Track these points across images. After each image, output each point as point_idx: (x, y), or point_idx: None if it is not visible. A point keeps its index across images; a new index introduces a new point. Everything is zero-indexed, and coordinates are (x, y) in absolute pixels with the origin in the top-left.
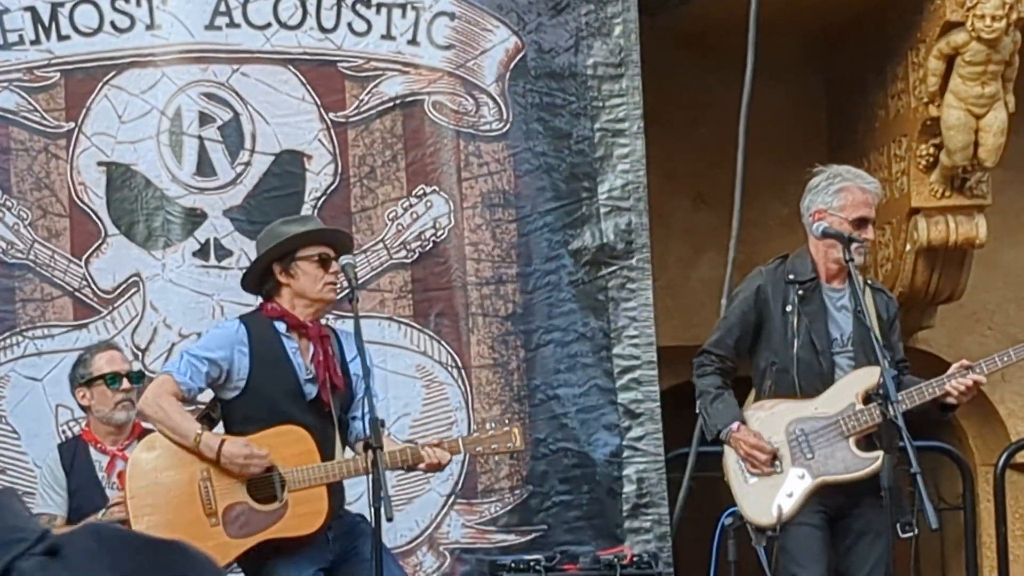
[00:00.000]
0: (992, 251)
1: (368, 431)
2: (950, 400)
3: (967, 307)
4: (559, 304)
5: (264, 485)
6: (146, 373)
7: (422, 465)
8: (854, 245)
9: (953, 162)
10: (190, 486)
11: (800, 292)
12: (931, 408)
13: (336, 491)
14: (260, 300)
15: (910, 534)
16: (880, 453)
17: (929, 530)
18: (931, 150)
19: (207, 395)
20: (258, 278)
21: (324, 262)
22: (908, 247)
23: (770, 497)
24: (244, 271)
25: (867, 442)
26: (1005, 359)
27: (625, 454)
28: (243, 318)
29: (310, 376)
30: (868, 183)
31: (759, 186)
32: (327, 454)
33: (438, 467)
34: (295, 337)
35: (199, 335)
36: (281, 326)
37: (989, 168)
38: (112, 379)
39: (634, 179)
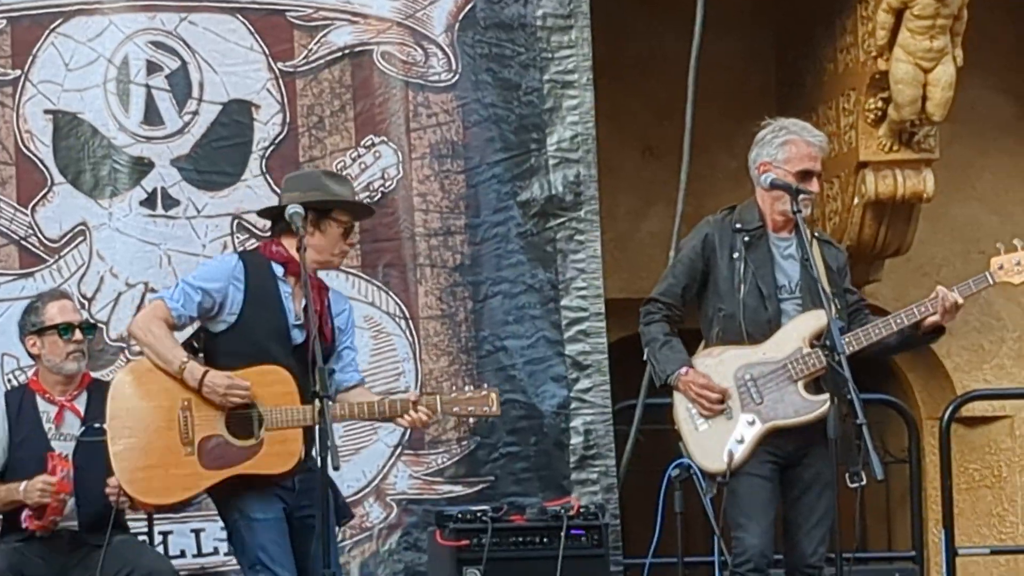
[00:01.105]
0: (939, 205)
1: (316, 380)
2: (934, 319)
3: (914, 261)
4: (507, 255)
5: (242, 421)
6: (98, 325)
7: (403, 421)
8: (801, 196)
9: (901, 116)
10: (169, 413)
11: (747, 240)
12: (918, 337)
13: (310, 437)
14: (261, 248)
15: (858, 483)
16: (827, 396)
17: (875, 482)
18: (879, 104)
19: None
20: (279, 215)
21: (348, 232)
22: (856, 201)
23: (720, 443)
24: (270, 205)
25: (816, 385)
26: (964, 290)
27: (572, 406)
28: (242, 254)
29: (298, 322)
30: (813, 136)
31: (708, 139)
32: (306, 400)
33: (415, 427)
34: (291, 283)
35: (146, 284)
36: (279, 269)
37: (937, 122)
38: (65, 329)
39: (583, 131)
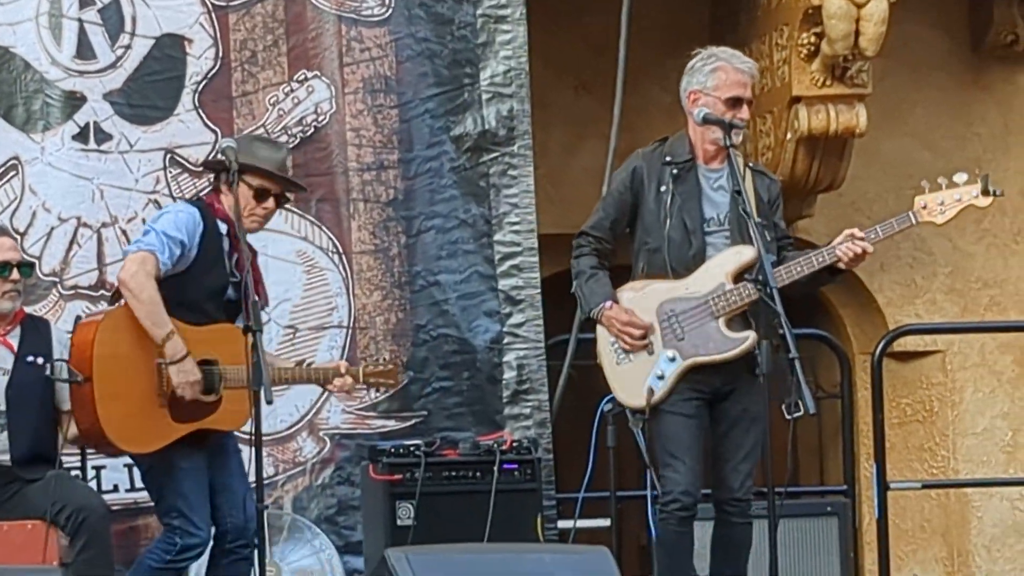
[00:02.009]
0: (872, 140)
1: (249, 314)
2: (840, 265)
3: (847, 196)
4: (440, 190)
5: (207, 376)
6: (33, 264)
7: (330, 387)
8: (734, 130)
9: (834, 51)
10: (150, 364)
11: (675, 172)
12: (821, 274)
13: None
14: (208, 192)
15: (797, 414)
16: (750, 333)
17: (807, 417)
18: (812, 39)
19: None
20: (220, 168)
21: (259, 195)
22: (789, 136)
23: (641, 379)
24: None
25: (738, 322)
26: (872, 236)
27: (505, 340)
28: (199, 208)
29: (235, 280)
30: (743, 63)
31: (641, 74)
32: None
33: (342, 391)
34: (229, 240)
35: (79, 219)
36: (223, 227)
37: (870, 57)
38: (2, 268)
39: (516, 66)
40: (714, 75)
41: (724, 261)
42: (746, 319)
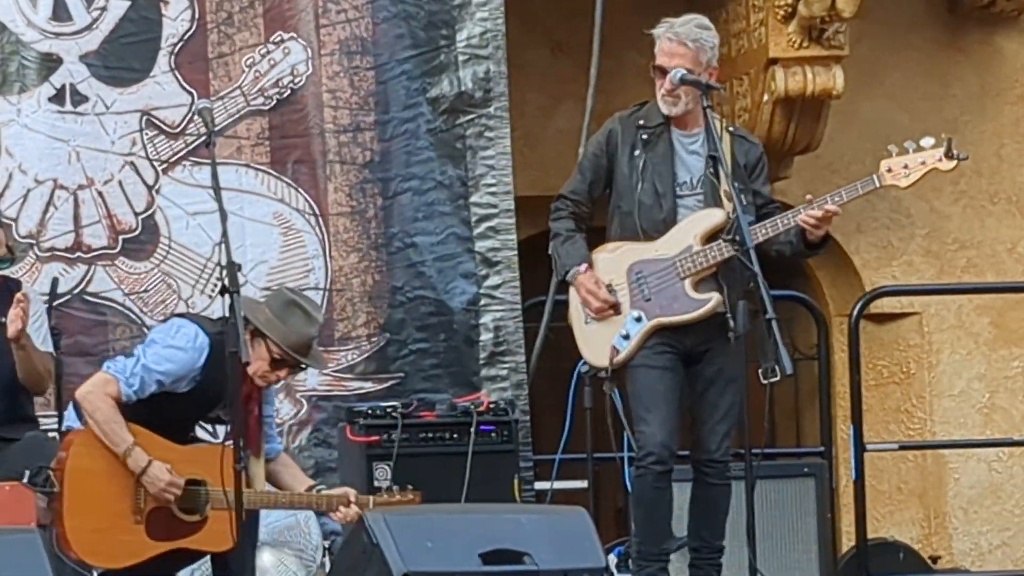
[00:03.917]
0: (849, 102)
1: (224, 276)
2: (811, 236)
3: (823, 158)
4: (417, 152)
5: (191, 497)
6: (15, 256)
7: (336, 516)
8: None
9: (811, 12)
10: (126, 480)
11: (644, 137)
12: (800, 251)
13: (252, 519)
14: None
15: (773, 379)
16: (715, 294)
17: (784, 378)
18: (789, 0)
19: None
20: (246, 320)
21: (275, 364)
22: (765, 97)
23: (608, 339)
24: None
25: (707, 284)
26: (836, 199)
27: (482, 302)
28: (211, 346)
29: (225, 421)
30: (676, 31)
31: (617, 36)
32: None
33: (344, 521)
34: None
35: (55, 181)
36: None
37: (847, 19)
38: None
39: (492, 27)
40: (655, 47)
41: (694, 223)
42: (716, 281)
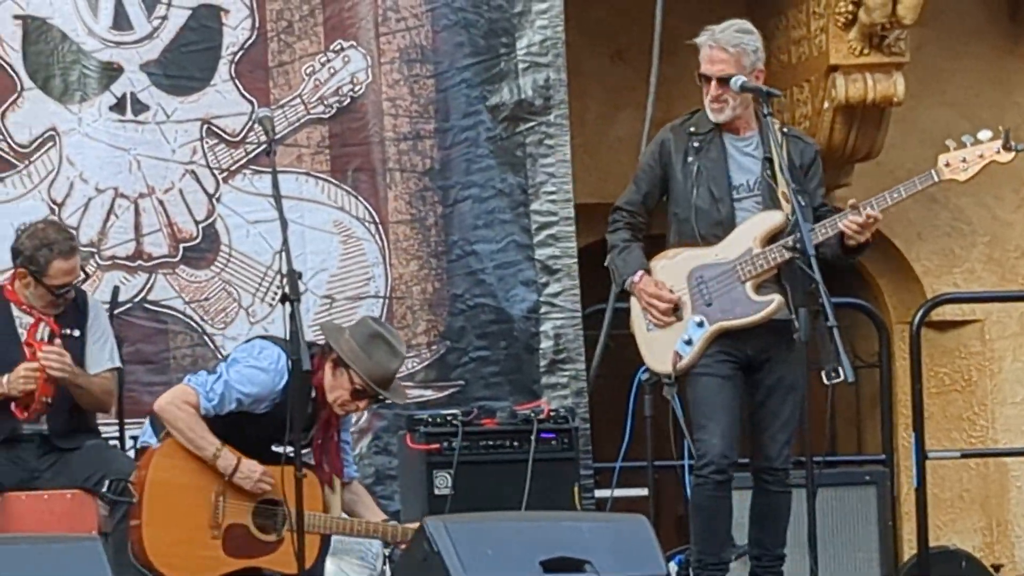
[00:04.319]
0: (909, 109)
1: (285, 284)
2: (850, 242)
3: (884, 165)
4: (477, 160)
5: (269, 515)
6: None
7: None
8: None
9: (872, 19)
10: (204, 495)
11: (696, 144)
12: (837, 255)
13: (327, 540)
14: (314, 360)
15: (836, 380)
16: (775, 296)
17: (845, 386)
18: (850, 7)
19: None
20: (328, 347)
21: (356, 395)
22: (826, 105)
23: (670, 345)
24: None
25: (768, 287)
26: (895, 196)
27: (542, 310)
28: (295, 368)
29: (305, 445)
30: (715, 39)
31: (677, 43)
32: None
33: None
34: (315, 406)
35: (116, 190)
36: (313, 392)
37: (908, 25)
38: (60, 289)
39: (552, 35)
40: None
41: (752, 226)
42: (779, 283)
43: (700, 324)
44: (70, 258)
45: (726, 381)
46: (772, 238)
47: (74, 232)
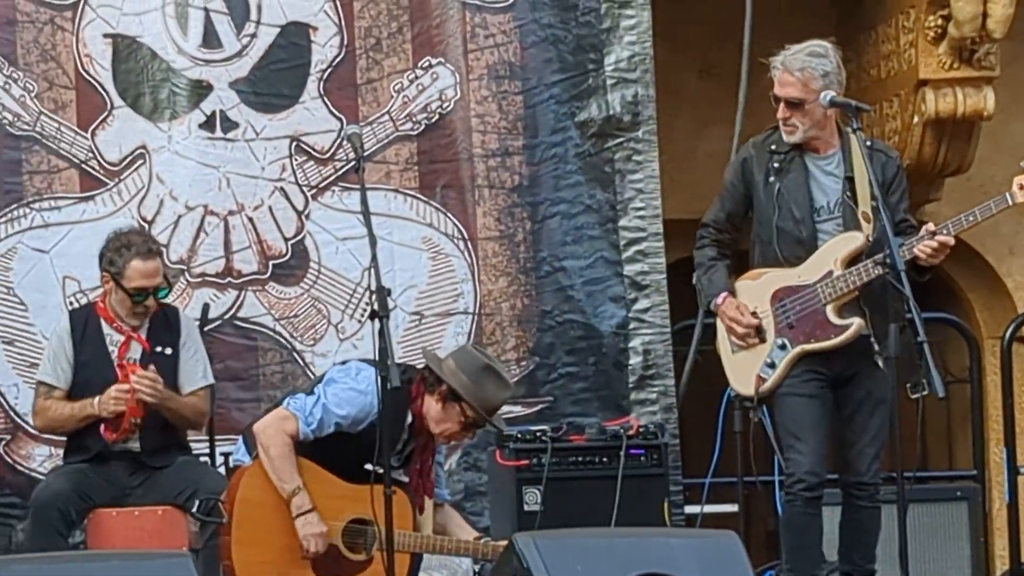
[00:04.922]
0: (1000, 123)
1: (374, 301)
2: (922, 264)
3: (974, 180)
4: (565, 176)
5: (359, 535)
6: (171, 284)
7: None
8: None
9: (961, 33)
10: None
11: (776, 165)
12: (912, 276)
13: (417, 560)
14: (412, 385)
15: (921, 393)
16: (856, 319)
17: (936, 401)
18: (939, 21)
19: None
20: (435, 376)
21: (465, 427)
22: (915, 119)
23: (753, 367)
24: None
25: (849, 308)
26: (970, 219)
27: (631, 326)
28: (383, 385)
29: (398, 467)
30: (783, 62)
31: (764, 58)
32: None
33: None
34: (410, 432)
35: (205, 207)
36: (409, 417)
37: (997, 39)
38: (138, 294)
39: (640, 51)
40: None
41: (833, 248)
42: (859, 305)
43: (783, 347)
44: (147, 260)
45: (813, 400)
46: (852, 260)
47: (160, 242)
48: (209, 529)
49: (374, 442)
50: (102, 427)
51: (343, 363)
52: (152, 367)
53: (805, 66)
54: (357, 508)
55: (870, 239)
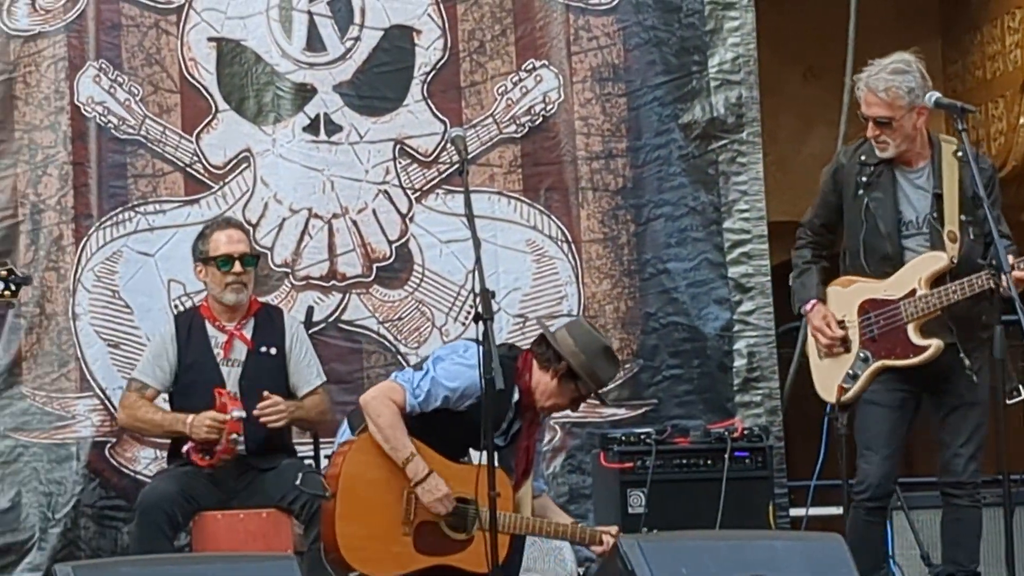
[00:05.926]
0: None
1: (478, 303)
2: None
3: None
4: (669, 178)
5: (460, 515)
6: (259, 256)
7: (595, 549)
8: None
9: None
10: (398, 491)
11: (865, 179)
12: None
13: (518, 546)
14: (517, 361)
15: (1018, 399)
16: (934, 341)
17: None
18: None
19: None
20: (553, 353)
21: (576, 401)
22: (1021, 120)
23: (836, 376)
24: (542, 340)
25: (931, 326)
26: None
27: (736, 328)
28: (488, 387)
29: (500, 446)
30: (867, 83)
31: (869, 59)
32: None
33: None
34: (517, 409)
35: (310, 210)
36: (516, 394)
37: None
38: (224, 262)
39: (744, 52)
40: None
41: (919, 266)
42: (944, 324)
43: (865, 359)
44: (227, 228)
45: (892, 411)
46: (937, 281)
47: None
48: (313, 531)
49: (478, 422)
50: (188, 448)
51: (450, 342)
52: (265, 394)
53: (889, 85)
54: (459, 487)
55: (954, 260)
